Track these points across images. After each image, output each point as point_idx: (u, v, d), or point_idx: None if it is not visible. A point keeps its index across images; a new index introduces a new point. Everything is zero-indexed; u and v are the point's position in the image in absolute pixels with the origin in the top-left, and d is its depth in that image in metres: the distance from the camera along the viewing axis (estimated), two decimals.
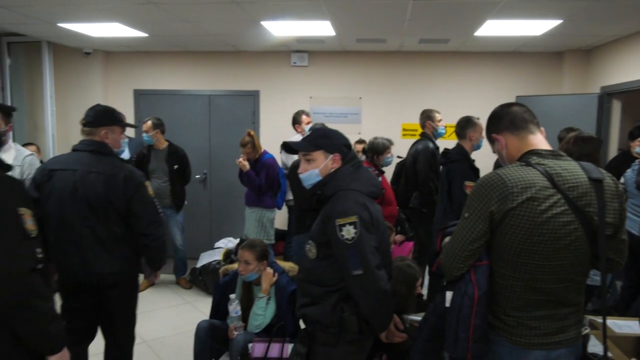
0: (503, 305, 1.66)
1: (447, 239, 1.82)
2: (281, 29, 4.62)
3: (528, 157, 1.67)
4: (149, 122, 4.79)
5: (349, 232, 1.87)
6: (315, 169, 2.03)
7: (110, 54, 6.23)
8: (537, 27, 4.38)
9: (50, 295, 1.68)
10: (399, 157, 4.65)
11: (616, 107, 5.09)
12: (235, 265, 3.16)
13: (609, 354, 1.87)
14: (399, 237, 4.28)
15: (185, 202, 5.12)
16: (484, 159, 4.27)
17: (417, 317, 2.44)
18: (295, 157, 4.42)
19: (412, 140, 4.59)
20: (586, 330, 1.73)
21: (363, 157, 4.62)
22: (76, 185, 2.44)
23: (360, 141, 5.57)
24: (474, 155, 3.71)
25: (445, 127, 4.46)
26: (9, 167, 1.80)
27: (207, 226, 6.25)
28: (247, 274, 2.86)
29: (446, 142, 4.57)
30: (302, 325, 2.15)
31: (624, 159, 4.24)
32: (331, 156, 2.03)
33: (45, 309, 1.63)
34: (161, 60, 6.18)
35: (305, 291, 2.04)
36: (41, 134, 5.85)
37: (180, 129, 5.94)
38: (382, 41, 5.22)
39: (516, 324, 1.64)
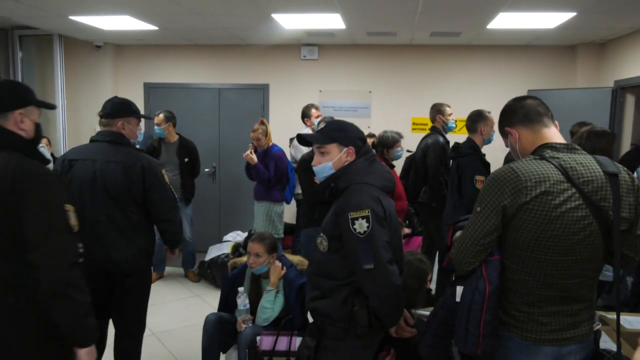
0: (514, 301, 1.64)
1: (458, 233, 1.80)
2: (291, 21, 4.60)
3: (542, 150, 1.64)
4: (161, 115, 4.80)
5: (361, 225, 1.85)
6: (329, 162, 2.02)
7: (121, 47, 6.25)
8: (550, 20, 4.31)
9: (87, 289, 1.75)
10: (408, 151, 4.62)
11: (630, 102, 5.02)
12: (244, 259, 3.16)
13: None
14: (405, 231, 4.26)
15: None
16: (495, 153, 4.24)
17: (426, 312, 2.42)
18: (305, 151, 4.42)
19: (422, 134, 4.55)
20: (598, 326, 1.71)
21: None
22: (96, 174, 2.52)
23: (370, 135, 5.54)
24: (485, 149, 3.68)
25: (456, 121, 4.42)
26: (47, 161, 1.86)
27: (215, 220, 6.27)
28: (257, 266, 2.86)
29: (456, 137, 4.53)
30: (310, 319, 2.14)
31: (637, 154, 4.18)
32: (345, 149, 2.01)
33: (84, 301, 1.71)
34: (171, 54, 6.19)
35: (316, 284, 2.03)
36: (52, 126, 5.89)
37: (190, 122, 5.95)
38: (392, 34, 5.17)
39: (527, 320, 1.62)
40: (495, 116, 3.58)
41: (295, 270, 2.94)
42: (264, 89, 6.11)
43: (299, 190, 4.74)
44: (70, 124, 5.95)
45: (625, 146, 5.02)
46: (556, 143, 1.65)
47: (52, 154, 4.90)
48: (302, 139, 2.14)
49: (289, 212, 5.30)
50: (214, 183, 6.19)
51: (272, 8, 4.12)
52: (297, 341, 2.67)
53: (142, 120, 2.92)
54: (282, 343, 2.67)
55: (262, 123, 4.49)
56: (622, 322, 2.50)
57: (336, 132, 2.03)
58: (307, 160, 3.69)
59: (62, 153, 4.27)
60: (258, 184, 4.60)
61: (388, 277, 1.87)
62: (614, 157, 3.44)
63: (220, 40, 5.82)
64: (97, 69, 6.08)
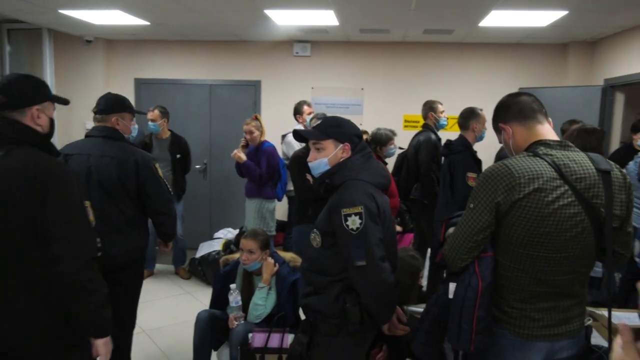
0: (507, 297, 1.65)
1: (451, 230, 1.80)
2: (285, 18, 4.57)
3: (536, 147, 1.64)
4: (157, 111, 4.76)
5: (354, 222, 1.85)
6: (325, 158, 2.01)
7: (112, 42, 6.19)
8: (542, 18, 4.33)
9: (104, 282, 1.82)
10: (400, 148, 4.63)
11: (619, 100, 5.06)
12: (235, 255, 3.14)
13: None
14: (397, 229, 4.26)
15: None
16: (487, 150, 4.25)
17: (418, 309, 2.43)
18: (296, 147, 4.40)
19: (414, 131, 4.57)
20: (589, 322, 1.72)
21: None
22: (90, 169, 2.55)
23: (362, 132, 5.54)
24: (476, 146, 3.69)
25: (447, 118, 4.43)
26: (58, 153, 1.90)
27: (206, 216, 6.24)
28: (250, 263, 2.85)
29: (448, 134, 4.55)
30: (303, 316, 2.14)
31: (626, 152, 4.22)
32: (341, 145, 2.01)
33: (102, 294, 1.79)
34: (162, 49, 6.14)
35: (309, 280, 2.03)
36: None
37: (181, 118, 5.91)
38: (385, 31, 5.17)
39: (519, 316, 1.63)
40: (487, 114, 3.62)
41: (288, 267, 2.93)
42: (255, 86, 6.08)
43: (290, 187, 4.72)
44: (60, 119, 5.85)
45: (615, 144, 5.07)
46: (550, 140, 1.66)
47: None
48: (298, 134, 2.13)
49: (281, 209, 5.28)
50: (205, 180, 6.16)
51: (265, 4, 4.09)
52: (290, 338, 2.66)
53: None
54: (275, 340, 2.66)
55: (256, 119, 4.46)
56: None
57: (332, 128, 2.03)
58: (299, 156, 3.67)
59: None
60: (249, 181, 4.57)
61: (380, 274, 1.87)
62: (604, 154, 3.46)
63: (213, 36, 5.78)
64: (88, 64, 6.01)
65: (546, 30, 4.79)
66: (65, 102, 2.02)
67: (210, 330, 2.86)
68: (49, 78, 5.71)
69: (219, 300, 3.01)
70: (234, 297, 2.84)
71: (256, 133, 4.39)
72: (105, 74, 6.15)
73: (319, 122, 2.15)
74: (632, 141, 4.43)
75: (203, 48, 6.07)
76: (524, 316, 1.62)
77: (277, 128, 5.31)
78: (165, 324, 4.02)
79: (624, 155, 4.07)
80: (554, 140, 1.66)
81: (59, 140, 5.64)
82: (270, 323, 2.78)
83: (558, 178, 1.55)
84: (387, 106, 5.90)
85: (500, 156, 4.18)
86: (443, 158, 3.88)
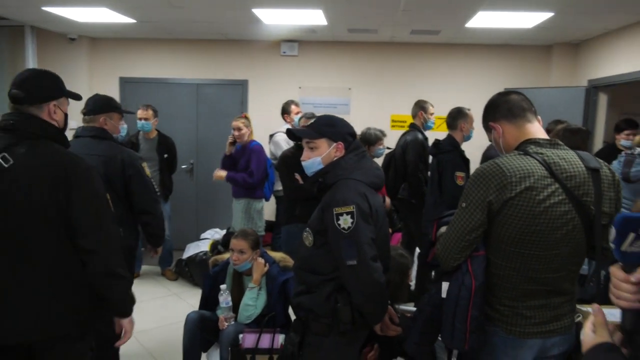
0: (499, 295, 1.66)
1: (442, 229, 1.81)
2: (273, 17, 4.55)
3: (526, 146, 1.65)
4: (150, 111, 4.72)
5: (345, 221, 1.84)
6: (318, 157, 2.01)
7: (96, 40, 6.10)
8: (528, 20, 4.38)
9: (126, 266, 1.96)
10: (388, 148, 4.65)
11: (602, 100, 5.14)
12: (225, 256, 3.12)
13: None
14: None
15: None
16: (474, 150, 4.28)
17: (408, 307, 2.44)
18: (284, 147, 4.39)
19: (401, 131, 4.59)
20: (579, 318, 1.74)
21: None
22: None
23: None
24: (464, 146, 3.72)
25: (435, 119, 4.46)
26: (68, 144, 1.93)
27: (193, 217, 6.18)
28: (241, 263, 2.83)
29: (436, 134, 4.57)
30: (293, 316, 2.13)
31: (610, 152, 4.30)
32: (334, 144, 2.00)
33: (129, 278, 1.97)
34: (148, 48, 6.07)
35: (301, 279, 2.02)
36: None
37: (167, 118, 5.83)
38: (373, 32, 5.18)
39: (512, 314, 1.64)
40: (474, 114, 3.65)
41: (278, 267, 2.92)
42: (243, 85, 6.05)
43: (278, 187, 4.71)
44: None
45: (598, 144, 5.15)
46: (540, 139, 1.67)
47: None
48: (292, 133, 2.13)
49: (268, 209, 5.26)
50: (192, 180, 6.11)
51: (254, 3, 4.07)
52: (280, 338, 2.65)
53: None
54: (265, 340, 2.65)
55: (245, 117, 4.44)
56: None
57: (326, 127, 2.03)
58: (288, 156, 3.67)
59: None
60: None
61: (371, 273, 1.87)
62: None
63: (199, 35, 5.73)
64: (71, 62, 5.91)
65: (531, 31, 4.84)
66: (78, 97, 2.06)
67: (200, 331, 2.84)
68: None
69: (209, 301, 2.98)
70: (224, 298, 2.82)
71: (244, 130, 4.35)
72: (89, 73, 6.05)
73: (308, 121, 2.15)
74: (615, 141, 4.52)
75: (190, 47, 6.01)
76: (516, 314, 1.63)
77: (265, 127, 5.28)
78: (152, 326, 3.97)
79: (608, 155, 4.14)
80: (544, 139, 1.67)
81: None
82: (260, 323, 2.76)
83: (549, 176, 1.56)
84: (375, 106, 5.92)
85: (487, 155, 4.21)
86: (431, 157, 3.90)
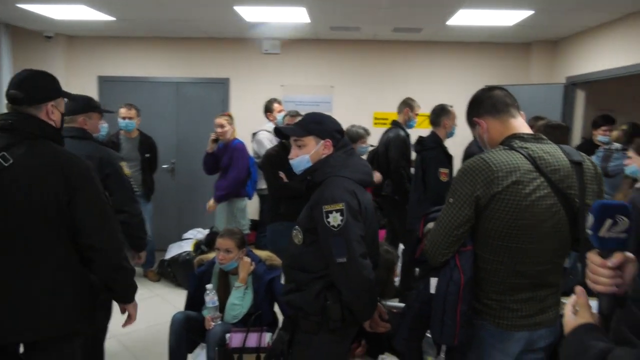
0: (486, 290, 1.67)
1: (430, 225, 1.81)
2: (254, 14, 4.52)
3: (511, 140, 1.67)
4: (134, 110, 4.65)
5: (335, 219, 1.84)
6: (306, 155, 2.00)
7: (73, 38, 5.98)
8: (508, 18, 4.44)
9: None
10: (371, 145, 4.66)
11: (580, 97, 5.24)
12: (210, 255, 3.09)
13: None
14: None
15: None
16: (457, 146, 4.32)
17: (394, 303, 2.45)
18: (268, 146, 4.37)
19: (384, 129, 4.60)
20: (563, 311, 1.77)
21: None
22: None
23: None
24: (447, 142, 3.75)
25: (417, 118, 4.49)
26: (63, 143, 1.96)
27: (174, 217, 6.10)
28: (227, 262, 2.81)
29: (418, 131, 4.61)
30: (280, 314, 2.12)
31: (588, 147, 4.39)
32: (322, 142, 2.00)
33: (132, 269, 2.07)
34: (127, 46, 5.97)
35: (290, 277, 2.01)
36: None
37: (147, 117, 5.70)
38: (356, 29, 5.19)
39: (499, 307, 1.65)
40: (456, 110, 3.68)
41: (264, 266, 2.91)
42: (224, 83, 6.00)
43: (261, 185, 4.69)
44: None
45: (576, 140, 5.25)
46: (524, 133, 1.69)
47: None
48: (279, 131, 2.12)
49: (251, 207, 5.23)
50: (173, 179, 6.04)
51: (235, 0, 4.03)
52: (267, 337, 2.65)
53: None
54: (252, 339, 2.63)
55: (229, 116, 4.40)
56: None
57: (313, 124, 2.02)
58: (272, 155, 3.65)
59: None
60: (221, 181, 4.49)
61: (360, 271, 1.87)
62: None
63: (180, 33, 5.66)
64: (48, 61, 5.76)
65: (511, 29, 4.91)
66: (72, 97, 2.10)
67: (186, 332, 2.81)
68: (6, 75, 5.46)
69: (194, 302, 2.96)
70: (211, 298, 2.79)
71: (227, 127, 4.31)
72: (66, 72, 5.92)
73: (293, 119, 2.15)
74: (593, 137, 4.61)
75: (170, 45, 5.94)
76: (504, 307, 1.65)
77: (247, 126, 5.25)
78: (135, 328, 3.87)
79: (586, 150, 4.18)
80: (528, 134, 1.69)
81: None
82: (247, 323, 2.74)
83: (534, 170, 1.58)
84: (357, 104, 5.93)
85: (468, 152, 4.26)
86: (414, 154, 3.93)
